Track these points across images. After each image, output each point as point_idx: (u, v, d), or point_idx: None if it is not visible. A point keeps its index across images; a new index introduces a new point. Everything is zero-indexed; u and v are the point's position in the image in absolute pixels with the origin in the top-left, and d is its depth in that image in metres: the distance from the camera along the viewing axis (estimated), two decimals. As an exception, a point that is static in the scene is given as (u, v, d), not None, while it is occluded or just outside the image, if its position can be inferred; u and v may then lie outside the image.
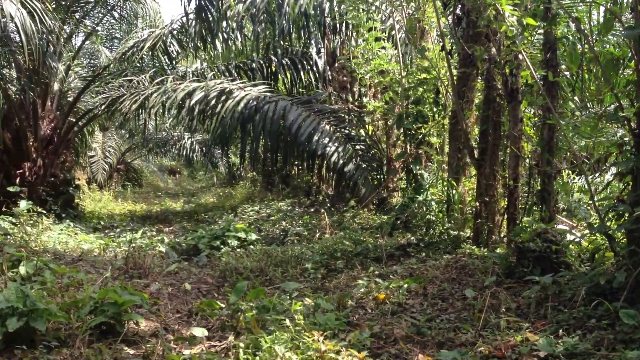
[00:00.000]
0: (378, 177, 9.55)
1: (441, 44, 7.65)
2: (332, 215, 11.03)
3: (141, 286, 5.88)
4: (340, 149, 9.25)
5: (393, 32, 10.14)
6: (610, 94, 4.83)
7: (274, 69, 13.13)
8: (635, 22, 4.55)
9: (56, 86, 11.74)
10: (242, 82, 10.55)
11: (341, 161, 9.19)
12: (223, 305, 4.46)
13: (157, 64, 12.48)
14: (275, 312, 4.19)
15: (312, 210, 12.69)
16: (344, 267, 6.67)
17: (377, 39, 9.87)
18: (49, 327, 3.93)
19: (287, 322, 3.68)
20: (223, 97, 9.88)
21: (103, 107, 11.42)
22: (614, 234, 4.49)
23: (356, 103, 11.17)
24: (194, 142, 24.00)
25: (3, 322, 3.62)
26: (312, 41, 13.26)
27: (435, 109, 8.59)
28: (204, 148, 24.09)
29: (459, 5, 7.27)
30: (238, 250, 8.50)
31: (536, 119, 6.77)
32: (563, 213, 7.60)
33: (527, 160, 6.95)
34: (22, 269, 5.96)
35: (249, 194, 17.30)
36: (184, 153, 24.85)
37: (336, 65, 13.02)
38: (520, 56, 6.28)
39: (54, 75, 11.01)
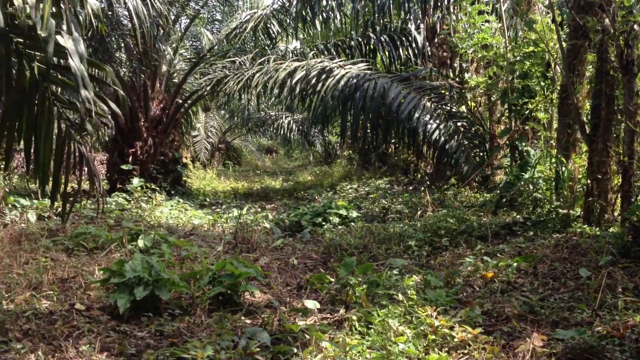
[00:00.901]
0: (481, 154, 9.35)
1: (550, 15, 7.35)
2: (432, 194, 10.95)
3: (251, 260, 6.09)
4: (441, 126, 9.12)
5: (497, 5, 9.83)
6: None
7: (372, 46, 13.07)
8: None
9: (164, 68, 12.24)
10: (342, 61, 10.58)
11: (442, 139, 9.06)
12: (332, 280, 4.55)
13: (259, 45, 12.74)
14: (384, 287, 4.24)
15: (411, 188, 12.62)
16: (449, 244, 6.62)
17: (480, 12, 9.60)
18: (172, 296, 4.16)
19: (400, 296, 3.72)
20: (323, 76, 9.96)
21: (208, 87, 11.81)
22: None
23: (457, 79, 10.94)
24: (292, 122, 24.35)
25: (131, 291, 3.88)
26: (411, 17, 13.10)
27: (543, 83, 8.28)
28: (301, 127, 24.42)
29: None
30: (339, 227, 8.62)
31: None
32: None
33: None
34: (140, 242, 6.35)
35: (346, 173, 17.42)
36: (282, 132, 25.28)
37: (436, 40, 12.80)
38: (636, 27, 5.96)
39: (163, 58, 11.50)
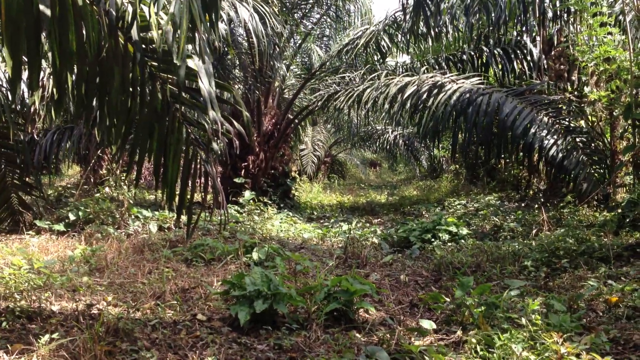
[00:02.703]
0: (601, 171, 8.91)
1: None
2: (548, 211, 10.55)
3: (362, 275, 6.12)
4: (559, 142, 8.77)
5: (621, 17, 9.37)
6: None
7: (484, 59, 12.81)
8: None
9: (276, 84, 12.59)
10: (454, 75, 10.44)
11: (560, 155, 8.70)
12: (448, 299, 4.49)
13: (369, 60, 12.84)
14: (503, 310, 4.13)
15: (523, 205, 12.23)
16: (568, 266, 6.35)
17: (602, 24, 9.19)
18: (289, 310, 4.25)
19: (523, 320, 3.61)
20: (435, 91, 9.87)
21: (319, 103, 12.02)
22: None
23: (575, 93, 10.51)
24: (398, 136, 24.28)
25: (251, 304, 4.00)
26: (527, 29, 12.73)
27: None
28: (407, 141, 24.28)
29: None
30: (449, 244, 8.48)
31: None
32: None
33: None
34: (255, 255, 6.54)
35: (453, 188, 17.14)
36: (387, 147, 25.24)
37: (553, 53, 12.36)
38: None
39: (276, 75, 11.85)
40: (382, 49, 12.71)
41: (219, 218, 6.26)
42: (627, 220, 7.91)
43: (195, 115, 4.55)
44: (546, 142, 8.76)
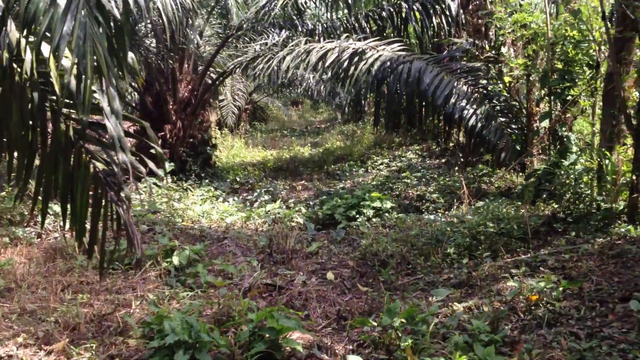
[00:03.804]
0: (519, 139, 9.04)
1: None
2: (465, 171, 10.72)
3: (287, 281, 6.02)
4: (478, 111, 8.81)
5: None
6: None
7: (404, 15, 12.60)
8: None
9: (191, 49, 12.01)
10: (375, 40, 10.20)
11: (479, 124, 8.76)
12: (375, 323, 4.46)
13: (286, 21, 12.40)
14: (430, 340, 4.14)
15: (444, 161, 12.40)
16: (488, 250, 6.46)
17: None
18: (212, 357, 4.10)
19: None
20: (356, 59, 9.64)
21: (238, 70, 11.58)
22: None
23: (493, 52, 10.52)
24: (320, 81, 23.93)
25: (171, 355, 3.83)
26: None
27: (587, 71, 7.91)
28: (328, 86, 23.99)
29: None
30: (374, 220, 8.51)
31: None
32: None
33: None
34: (175, 260, 6.32)
35: (375, 139, 17.11)
36: (309, 92, 24.85)
37: (470, 7, 12.31)
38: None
39: (191, 42, 11.30)
40: (302, 7, 12.26)
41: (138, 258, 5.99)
42: (543, 189, 8.11)
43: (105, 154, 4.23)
44: (465, 112, 8.78)
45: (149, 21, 10.05)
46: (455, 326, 4.55)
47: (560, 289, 5.06)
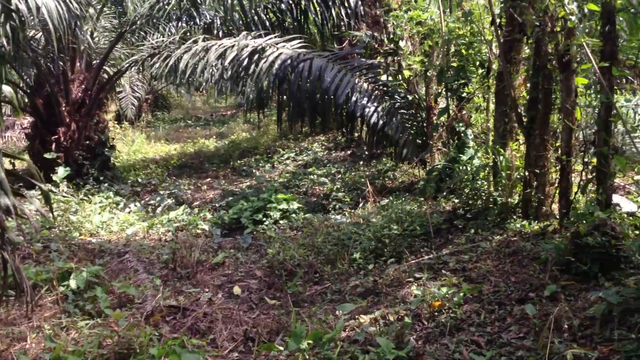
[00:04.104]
0: (420, 133, 9.20)
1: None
2: (370, 164, 10.86)
3: (192, 300, 5.87)
4: (379, 109, 8.88)
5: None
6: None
7: (303, 7, 12.51)
8: None
9: (83, 47, 11.42)
10: (275, 37, 10.05)
11: (381, 121, 8.84)
12: (282, 348, 4.41)
13: (186, 15, 12.01)
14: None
15: (350, 153, 12.50)
16: (393, 252, 6.56)
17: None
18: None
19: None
20: (256, 57, 9.47)
21: (134, 68, 11.14)
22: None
23: (392, 45, 10.62)
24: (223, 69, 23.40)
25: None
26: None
27: (480, 70, 8.14)
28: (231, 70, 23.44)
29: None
30: (281, 222, 8.46)
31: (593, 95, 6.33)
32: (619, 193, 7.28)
33: (582, 132, 6.57)
34: (72, 283, 6.02)
35: (282, 131, 17.01)
36: (212, 81, 24.29)
37: (368, -3, 12.37)
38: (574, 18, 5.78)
39: (82, 43, 10.74)
40: (197, 1, 11.90)
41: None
42: (444, 184, 8.33)
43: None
44: (367, 109, 8.83)
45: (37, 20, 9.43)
46: (362, 341, 4.59)
47: (462, 294, 5.20)
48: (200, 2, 12.08)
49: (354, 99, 8.79)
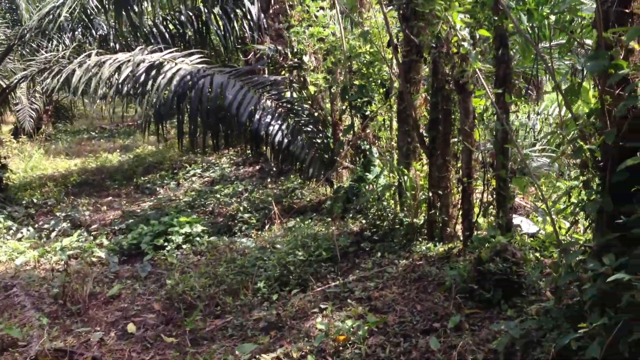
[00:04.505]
0: (327, 150, 9.06)
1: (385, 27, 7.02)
2: (278, 181, 10.65)
3: (81, 341, 5.45)
4: (283, 127, 8.67)
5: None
6: (571, 122, 4.46)
7: (204, 19, 12.16)
8: (598, 50, 4.13)
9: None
10: (174, 51, 9.65)
11: (285, 140, 8.63)
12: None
13: (80, 26, 11.38)
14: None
15: (258, 168, 12.25)
16: (298, 280, 6.36)
17: (314, -1, 9.12)
18: None
19: None
20: (153, 72, 9.04)
21: (23, 83, 10.43)
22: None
23: (296, 59, 10.45)
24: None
25: None
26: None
27: (381, 90, 8.10)
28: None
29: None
30: (184, 246, 8.12)
31: (491, 114, 6.39)
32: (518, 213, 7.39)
33: (481, 154, 6.62)
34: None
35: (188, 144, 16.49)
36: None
37: (271, 11, 12.17)
38: (467, 45, 5.80)
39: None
40: (90, 14, 11.31)
41: None
42: (351, 204, 8.23)
43: None
44: (271, 128, 8.61)
45: None
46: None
47: (366, 327, 5.07)
48: (93, 13, 11.48)
49: (257, 116, 8.54)
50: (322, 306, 5.68)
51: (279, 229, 8.06)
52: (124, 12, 10.79)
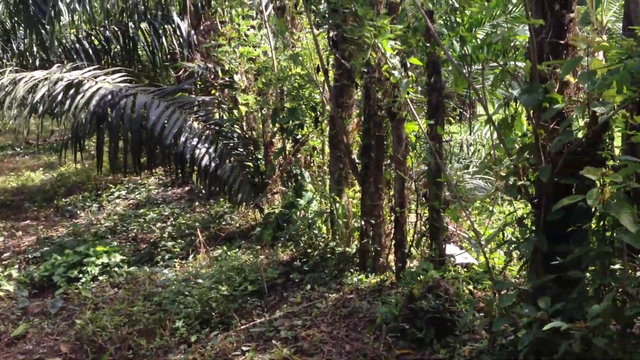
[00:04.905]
0: (258, 174, 8.68)
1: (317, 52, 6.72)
2: (207, 204, 10.20)
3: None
4: (211, 150, 8.23)
5: (262, 7, 9.03)
6: (505, 156, 4.25)
7: (131, 34, 11.64)
8: (532, 83, 3.94)
9: None
10: (94, 69, 9.10)
11: (213, 164, 8.20)
12: None
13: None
14: None
15: (187, 190, 11.73)
16: (220, 317, 5.94)
17: (244, 17, 8.77)
18: None
19: None
20: (72, 92, 8.46)
21: None
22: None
23: (227, 77, 10.04)
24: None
25: None
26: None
27: (312, 114, 7.81)
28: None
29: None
30: (101, 278, 7.57)
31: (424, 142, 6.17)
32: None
33: (415, 183, 6.39)
34: None
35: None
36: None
37: (202, 27, 11.78)
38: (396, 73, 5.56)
39: None
40: (10, 29, 10.62)
41: None
42: (281, 230, 7.87)
43: None
44: (198, 151, 8.17)
45: None
46: None
47: (291, 373, 4.72)
48: (11, 29, 10.78)
49: (183, 139, 8.09)
50: (245, 348, 5.29)
51: (204, 259, 7.62)
52: (35, 30, 10.13)
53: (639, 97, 3.34)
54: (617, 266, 3.73)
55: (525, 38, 4.70)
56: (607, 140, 3.89)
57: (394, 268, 6.38)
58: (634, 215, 3.35)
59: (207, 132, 8.41)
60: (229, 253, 7.56)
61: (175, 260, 7.93)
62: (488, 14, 6.87)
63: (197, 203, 10.29)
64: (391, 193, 6.58)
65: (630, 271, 3.75)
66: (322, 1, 6.22)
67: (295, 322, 5.66)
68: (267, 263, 7.16)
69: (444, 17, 6.07)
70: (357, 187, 7.15)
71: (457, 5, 5.83)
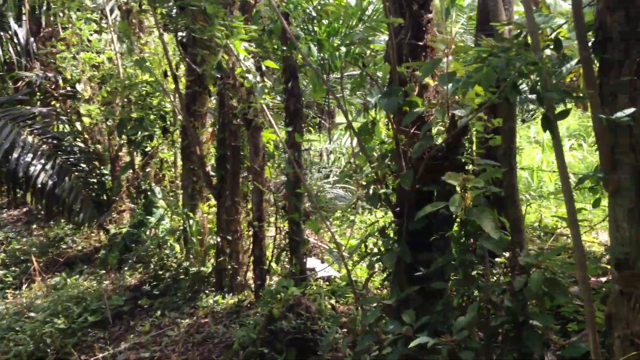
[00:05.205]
0: (103, 191, 7.94)
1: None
2: (46, 226, 9.26)
3: None
4: (48, 166, 7.40)
5: (106, 11, 8.35)
6: (366, 164, 4.03)
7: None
8: (392, 85, 3.74)
9: None
10: None
11: (51, 182, 7.37)
12: None
13: None
14: None
15: (25, 211, 10.62)
16: (57, 354, 5.22)
17: (87, 20, 8.06)
18: None
19: None
20: None
21: None
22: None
23: (69, 87, 9.18)
24: None
25: None
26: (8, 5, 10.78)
27: (162, 124, 7.26)
28: None
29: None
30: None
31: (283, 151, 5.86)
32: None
33: (273, 195, 6.04)
34: None
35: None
36: None
37: (42, 34, 10.79)
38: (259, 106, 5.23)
39: None
40: None
41: None
42: (129, 251, 7.22)
43: None
44: (33, 168, 7.30)
45: None
46: None
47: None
48: None
49: (15, 155, 7.20)
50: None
51: (40, 288, 6.77)
52: None
53: (497, 99, 3.22)
54: (478, 273, 3.60)
55: (382, 48, 4.56)
56: (467, 144, 3.77)
57: (252, 286, 5.98)
58: (496, 221, 3.23)
59: (44, 146, 7.58)
60: (68, 280, 6.79)
61: (8, 290, 7.01)
62: (346, 21, 6.73)
63: (34, 226, 9.28)
64: (249, 206, 6.19)
65: (493, 278, 3.63)
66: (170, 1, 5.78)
67: (143, 355, 5.09)
68: (112, 289, 6.50)
69: (301, 26, 5.85)
70: (213, 202, 6.68)
71: (314, 14, 5.63)
